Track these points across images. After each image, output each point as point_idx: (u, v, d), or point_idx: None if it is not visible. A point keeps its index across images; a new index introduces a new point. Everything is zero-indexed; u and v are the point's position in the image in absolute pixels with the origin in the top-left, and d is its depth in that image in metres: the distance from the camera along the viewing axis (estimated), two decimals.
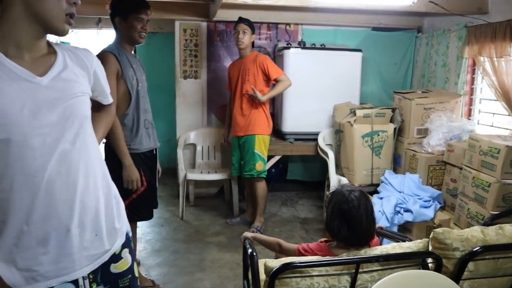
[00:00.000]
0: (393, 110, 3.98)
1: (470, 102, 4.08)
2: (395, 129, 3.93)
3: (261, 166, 3.86)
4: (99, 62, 1.47)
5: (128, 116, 2.60)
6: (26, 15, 1.20)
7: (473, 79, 4.06)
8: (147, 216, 2.85)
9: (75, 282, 1.32)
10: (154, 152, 2.83)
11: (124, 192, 2.58)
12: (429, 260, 1.70)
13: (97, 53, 2.56)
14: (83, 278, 1.34)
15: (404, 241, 1.91)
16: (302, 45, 4.42)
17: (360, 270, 1.56)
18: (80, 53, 1.39)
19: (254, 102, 3.78)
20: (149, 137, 2.74)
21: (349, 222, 1.71)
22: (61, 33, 1.26)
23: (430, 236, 1.75)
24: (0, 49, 1.19)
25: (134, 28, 2.58)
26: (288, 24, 4.84)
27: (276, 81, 3.76)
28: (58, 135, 1.24)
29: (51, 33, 1.26)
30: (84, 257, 1.33)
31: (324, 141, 4.33)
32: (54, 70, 1.27)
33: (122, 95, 2.56)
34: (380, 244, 1.88)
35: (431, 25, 4.74)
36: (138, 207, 2.67)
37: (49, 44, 1.32)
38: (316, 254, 1.77)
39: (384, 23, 4.82)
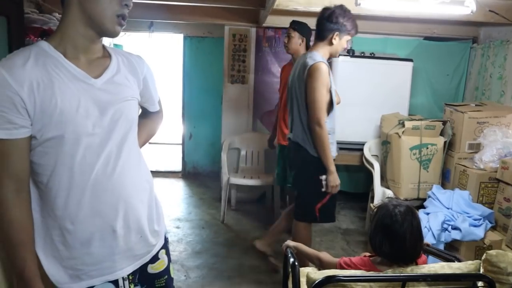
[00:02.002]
0: (444, 123, 3.84)
1: None
2: (445, 142, 3.78)
3: None
4: (150, 69, 1.51)
5: (327, 124, 2.74)
6: (81, 17, 1.23)
7: None
8: (333, 219, 3.04)
9: (115, 282, 1.35)
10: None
11: (319, 196, 2.81)
12: (480, 283, 1.61)
13: (312, 62, 2.65)
14: (123, 279, 1.36)
15: (453, 260, 1.82)
16: (351, 53, 4.34)
17: None
18: (132, 59, 1.43)
19: None
20: (334, 146, 2.88)
21: (390, 237, 1.65)
22: (112, 34, 1.29)
23: (483, 258, 1.66)
24: (60, 50, 1.23)
25: (343, 47, 2.82)
26: None
27: None
28: (107, 136, 1.27)
29: (103, 35, 1.29)
30: (127, 257, 1.36)
31: (370, 151, 4.23)
32: (108, 73, 1.31)
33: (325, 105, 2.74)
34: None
35: (487, 36, 4.55)
36: (329, 210, 2.92)
37: (104, 47, 1.36)
38: (358, 269, 1.72)
39: (437, 33, 4.68)
